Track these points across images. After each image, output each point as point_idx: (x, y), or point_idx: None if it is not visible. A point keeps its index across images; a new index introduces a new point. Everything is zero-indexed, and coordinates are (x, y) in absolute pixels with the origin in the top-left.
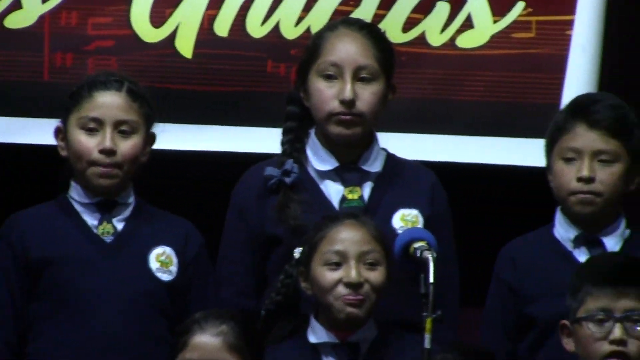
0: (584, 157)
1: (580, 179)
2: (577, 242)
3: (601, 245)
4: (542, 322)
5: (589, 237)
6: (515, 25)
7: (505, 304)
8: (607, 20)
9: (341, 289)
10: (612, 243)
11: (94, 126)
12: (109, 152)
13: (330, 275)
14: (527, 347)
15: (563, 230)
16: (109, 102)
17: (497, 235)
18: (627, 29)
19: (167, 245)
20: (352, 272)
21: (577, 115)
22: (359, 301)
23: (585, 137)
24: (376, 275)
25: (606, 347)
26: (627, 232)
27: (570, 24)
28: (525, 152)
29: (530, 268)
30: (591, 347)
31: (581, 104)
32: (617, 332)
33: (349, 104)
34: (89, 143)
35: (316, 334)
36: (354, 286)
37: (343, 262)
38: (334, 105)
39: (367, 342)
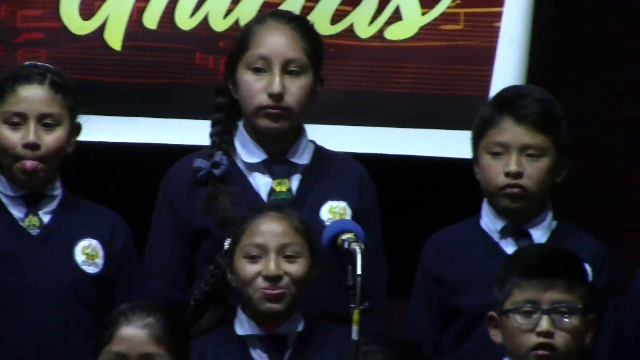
0: (512, 151)
1: (508, 174)
2: (504, 233)
3: (528, 236)
4: (467, 313)
5: (516, 229)
6: (443, 17)
7: (430, 295)
8: (536, 13)
9: (260, 282)
10: (539, 234)
11: (17, 120)
12: (32, 147)
13: (250, 268)
14: (453, 337)
15: (490, 222)
16: (31, 96)
17: (425, 226)
18: (555, 21)
19: (94, 237)
20: (270, 264)
21: (504, 109)
22: (277, 295)
23: (512, 132)
24: (296, 268)
25: (533, 339)
26: (554, 223)
27: (498, 16)
28: (454, 144)
29: (456, 259)
30: (518, 339)
31: (508, 98)
32: (544, 324)
33: (278, 97)
34: (13, 138)
35: (243, 326)
36: (272, 279)
37: (263, 255)
38: (263, 99)
39: (294, 334)
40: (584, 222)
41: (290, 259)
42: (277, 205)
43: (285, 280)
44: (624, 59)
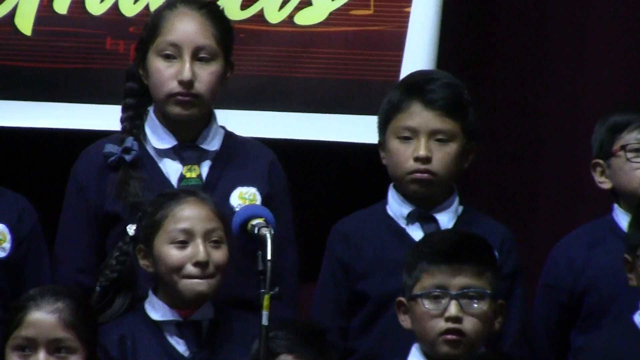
0: (420, 136)
1: (417, 159)
2: (411, 218)
3: (435, 221)
4: (374, 299)
5: (423, 214)
6: (353, 3)
7: (337, 280)
8: None
9: (190, 268)
10: (446, 219)
11: None
12: None
13: (177, 254)
14: (360, 323)
15: (397, 207)
16: None
17: (335, 211)
18: (465, 6)
19: (1, 221)
20: (200, 250)
21: (413, 94)
22: (207, 282)
23: (421, 117)
24: (220, 254)
25: (442, 324)
26: (460, 208)
27: (408, 1)
28: (364, 130)
29: (363, 245)
30: (427, 324)
31: (416, 83)
32: (453, 309)
33: (188, 84)
34: None
35: (157, 311)
36: (203, 265)
37: (189, 241)
38: (173, 86)
39: (207, 320)
40: (497, 208)
41: (215, 244)
42: (193, 190)
43: (212, 267)
44: (532, 45)
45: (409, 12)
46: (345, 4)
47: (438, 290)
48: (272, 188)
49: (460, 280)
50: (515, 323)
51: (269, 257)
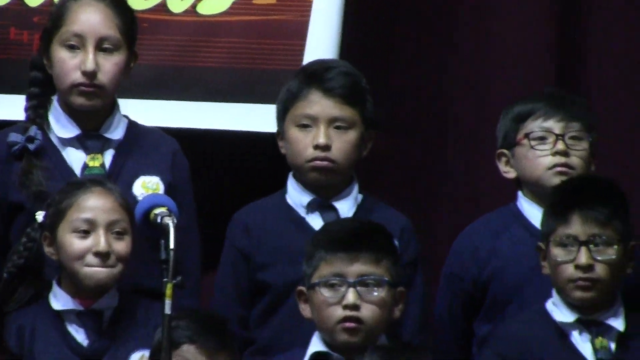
0: (320, 124)
1: (317, 147)
2: (310, 207)
3: (334, 210)
4: (275, 288)
5: (322, 203)
6: None
7: (238, 270)
8: None
9: (90, 258)
10: (346, 208)
11: None
12: None
13: (79, 244)
14: (260, 313)
15: (296, 196)
16: None
17: (237, 200)
18: None
19: None
20: (101, 241)
21: (311, 82)
22: (107, 272)
23: (320, 104)
24: (123, 246)
25: (340, 312)
26: (360, 196)
27: None
28: (267, 119)
29: (263, 234)
30: (325, 312)
31: (315, 71)
32: (351, 297)
33: (91, 75)
34: None
35: (59, 301)
36: (103, 255)
37: (92, 231)
38: (76, 76)
39: (110, 309)
40: (400, 197)
41: (118, 235)
42: (98, 180)
43: (113, 257)
44: (436, 34)
45: (311, 2)
46: None
47: (336, 279)
48: (174, 177)
49: (357, 268)
50: (415, 311)
51: (171, 246)
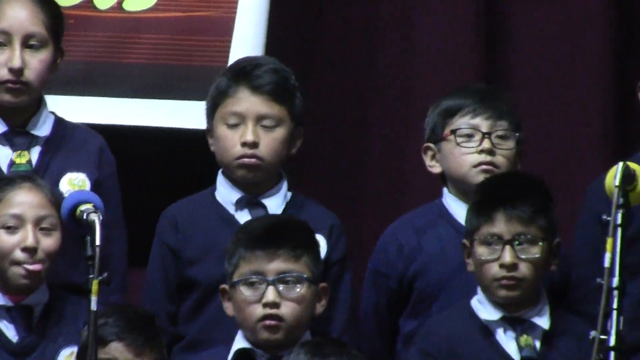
0: (248, 121)
1: (244, 144)
2: (239, 205)
3: (263, 207)
4: (203, 285)
5: (251, 200)
6: None
7: (167, 266)
8: None
9: (18, 254)
10: (274, 205)
11: None
12: None
13: (6, 239)
14: (189, 309)
15: (225, 193)
16: None
17: (165, 197)
18: None
19: None
20: (29, 236)
21: (239, 79)
22: (36, 272)
23: (248, 102)
24: (51, 242)
25: (260, 310)
26: (289, 194)
27: None
28: (193, 115)
29: (192, 231)
30: (246, 311)
31: (243, 68)
32: (270, 295)
33: (18, 72)
34: None
35: None
36: (31, 251)
37: (20, 226)
38: (3, 73)
39: (41, 305)
40: (326, 194)
41: (46, 231)
42: (28, 176)
43: (41, 253)
44: (361, 30)
45: None
46: None
47: (255, 277)
48: (101, 174)
49: (276, 265)
50: (343, 309)
51: (97, 242)
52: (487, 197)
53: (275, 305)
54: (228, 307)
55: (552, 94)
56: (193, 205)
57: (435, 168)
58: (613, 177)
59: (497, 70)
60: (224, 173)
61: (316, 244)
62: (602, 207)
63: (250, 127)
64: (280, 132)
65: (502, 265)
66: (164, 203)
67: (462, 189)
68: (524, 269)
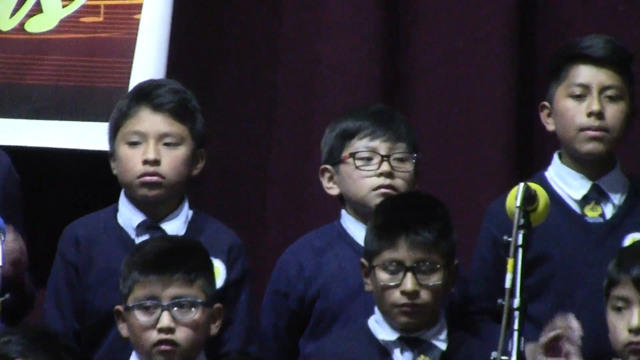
0: (149, 140)
1: (146, 162)
2: (140, 229)
3: (163, 231)
4: (103, 313)
5: (152, 224)
6: (83, 10)
7: (72, 283)
8: (175, 5)
9: None
10: (175, 229)
11: None
12: None
13: None
14: (91, 333)
15: (127, 217)
16: None
17: (66, 218)
18: (194, 15)
19: None
20: None
21: (140, 100)
22: None
23: (149, 120)
24: None
25: (155, 336)
26: (190, 213)
27: (139, 8)
28: (95, 136)
29: (93, 252)
30: (142, 336)
31: (143, 89)
32: (165, 320)
33: None
34: None
35: None
36: None
37: None
38: None
39: None
40: (227, 213)
41: None
42: None
43: None
44: (262, 52)
45: (138, 19)
46: (75, 12)
47: (149, 302)
48: (5, 192)
49: (170, 291)
50: (238, 330)
51: (0, 263)
52: (388, 220)
53: (170, 330)
54: (123, 328)
55: (453, 112)
56: (95, 224)
57: (333, 190)
58: (514, 197)
59: (399, 86)
60: (126, 195)
61: (210, 265)
62: (498, 227)
63: (152, 145)
64: (181, 151)
65: (403, 292)
66: (66, 224)
67: (361, 211)
68: (424, 296)
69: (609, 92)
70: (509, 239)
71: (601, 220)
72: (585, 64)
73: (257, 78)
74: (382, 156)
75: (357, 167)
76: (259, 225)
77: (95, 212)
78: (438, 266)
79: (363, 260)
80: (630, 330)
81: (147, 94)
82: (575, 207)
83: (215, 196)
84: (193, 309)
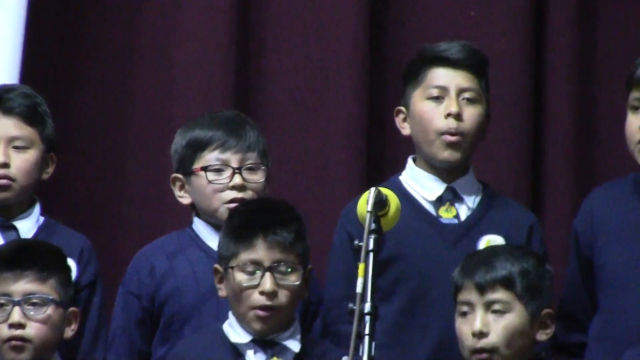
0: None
1: None
2: None
3: (15, 230)
4: None
5: (4, 223)
6: None
7: None
8: (29, 10)
9: None
10: (27, 228)
11: None
12: None
13: None
14: None
15: None
16: None
17: None
18: (49, 22)
19: None
20: None
21: None
22: None
23: (0, 124)
24: None
25: (6, 331)
26: (42, 218)
27: None
28: None
29: None
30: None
31: None
32: (15, 315)
33: None
34: None
35: None
36: None
37: None
38: None
39: None
40: (81, 216)
41: None
42: None
43: None
44: (117, 60)
45: None
46: None
47: (2, 298)
48: None
49: (22, 287)
50: (90, 333)
51: None
52: (245, 222)
53: (20, 326)
54: None
55: (305, 118)
56: None
57: (184, 199)
58: (365, 202)
59: (251, 91)
60: None
61: (66, 269)
62: (354, 229)
63: (2, 148)
64: (31, 154)
65: (262, 293)
66: None
67: (213, 222)
68: (282, 297)
69: (467, 95)
70: (360, 244)
71: (456, 221)
72: (442, 66)
73: (113, 82)
74: (234, 169)
75: (209, 182)
76: (115, 231)
77: None
78: (295, 267)
79: (217, 265)
80: (474, 335)
81: None
82: (430, 208)
83: (72, 201)
84: (45, 307)
